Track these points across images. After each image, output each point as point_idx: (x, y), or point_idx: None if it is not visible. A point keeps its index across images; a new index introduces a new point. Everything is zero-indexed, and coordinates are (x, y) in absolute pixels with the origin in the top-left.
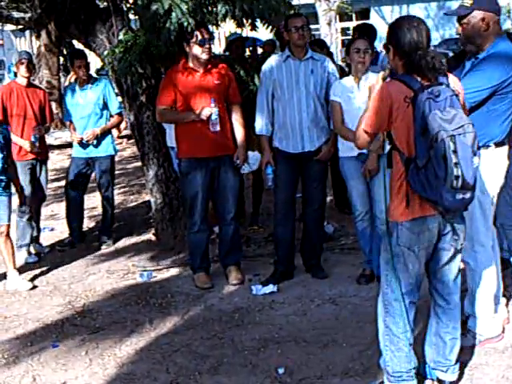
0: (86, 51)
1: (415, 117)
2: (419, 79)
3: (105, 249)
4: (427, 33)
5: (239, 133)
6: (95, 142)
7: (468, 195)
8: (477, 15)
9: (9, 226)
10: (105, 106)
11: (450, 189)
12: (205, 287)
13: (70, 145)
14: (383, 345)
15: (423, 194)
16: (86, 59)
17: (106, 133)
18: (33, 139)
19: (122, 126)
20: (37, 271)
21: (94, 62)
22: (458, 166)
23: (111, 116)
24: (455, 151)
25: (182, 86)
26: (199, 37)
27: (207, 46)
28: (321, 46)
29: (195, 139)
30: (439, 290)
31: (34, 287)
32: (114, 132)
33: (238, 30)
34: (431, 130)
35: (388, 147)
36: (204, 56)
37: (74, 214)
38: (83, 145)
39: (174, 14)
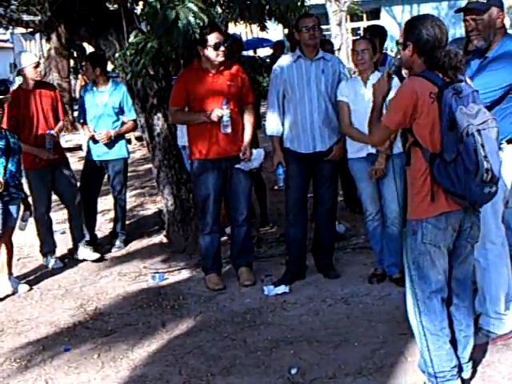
0: None
1: (441, 112)
2: (441, 76)
3: (116, 251)
4: (446, 31)
5: (247, 132)
6: (109, 143)
7: (494, 188)
8: (494, 12)
9: (5, 232)
10: (121, 111)
11: (479, 182)
12: (216, 288)
13: (80, 147)
14: (422, 347)
15: (451, 189)
16: (105, 64)
17: (119, 136)
18: (48, 146)
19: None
20: (48, 274)
21: None
22: (487, 159)
23: (123, 122)
24: (483, 145)
25: (195, 86)
26: (214, 40)
27: (222, 49)
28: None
29: (207, 140)
30: (454, 288)
31: (31, 289)
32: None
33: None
34: (460, 125)
35: (397, 148)
36: (219, 59)
37: (87, 217)
38: (96, 146)
39: (182, 15)
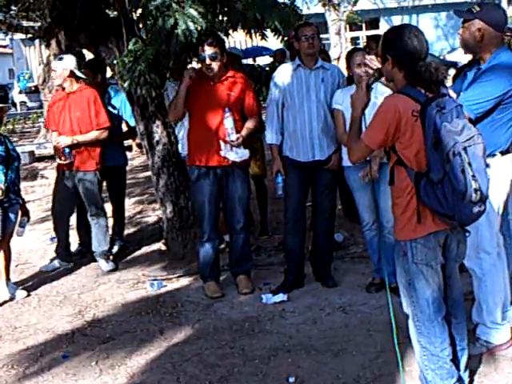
0: None
1: (425, 131)
2: (423, 91)
3: (116, 258)
4: (426, 41)
5: (246, 128)
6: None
7: (483, 207)
8: (476, 24)
9: (4, 238)
10: (119, 119)
11: (468, 203)
12: (214, 296)
13: None
14: (423, 365)
15: (439, 210)
16: (105, 71)
17: (116, 143)
18: (66, 151)
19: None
20: (47, 281)
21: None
22: (475, 178)
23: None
24: (470, 164)
25: (193, 93)
26: (200, 52)
27: (208, 62)
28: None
29: (204, 147)
30: (448, 307)
31: (29, 295)
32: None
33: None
34: (446, 144)
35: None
36: (208, 73)
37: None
38: None
39: (179, 30)
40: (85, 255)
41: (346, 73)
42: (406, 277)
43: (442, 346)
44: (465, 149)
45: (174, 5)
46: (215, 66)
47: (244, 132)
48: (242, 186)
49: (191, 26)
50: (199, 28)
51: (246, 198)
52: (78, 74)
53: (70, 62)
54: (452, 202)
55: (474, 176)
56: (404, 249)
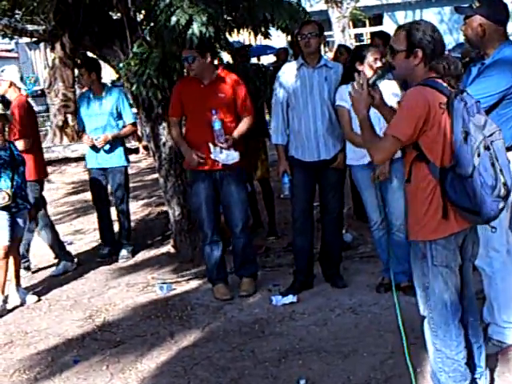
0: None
1: (453, 124)
2: (445, 84)
3: (124, 262)
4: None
5: (237, 130)
6: (107, 147)
7: (504, 204)
8: (477, 20)
9: (13, 244)
10: (119, 117)
11: (495, 197)
12: (224, 299)
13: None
14: (436, 368)
15: (467, 205)
16: (100, 69)
17: (118, 143)
18: None
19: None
20: (57, 285)
21: (109, 73)
22: (502, 173)
23: (124, 126)
24: (497, 158)
25: (186, 96)
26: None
27: (188, 65)
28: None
29: (197, 151)
30: (464, 306)
31: (39, 300)
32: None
33: (239, 38)
34: (475, 137)
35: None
36: (191, 73)
37: (106, 225)
38: (95, 153)
39: (195, 25)
40: (112, 255)
41: None
42: (424, 279)
43: (457, 349)
44: (491, 143)
45: (186, 2)
46: (194, 67)
47: (236, 134)
48: (237, 189)
49: (203, 29)
50: (212, 32)
51: (243, 202)
52: (19, 84)
53: (10, 73)
54: (480, 197)
55: (501, 170)
56: (423, 251)
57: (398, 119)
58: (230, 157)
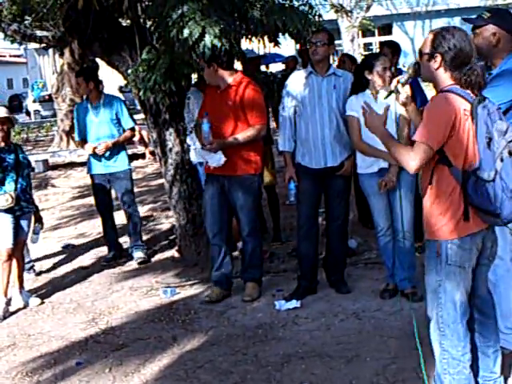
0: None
1: (477, 130)
2: (468, 91)
3: (140, 261)
4: (475, 49)
5: (234, 137)
6: (107, 154)
7: None
8: (490, 29)
9: (17, 246)
10: (119, 123)
11: None
12: (212, 300)
13: None
14: (441, 369)
15: (489, 208)
16: (98, 78)
17: (120, 148)
18: None
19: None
20: (60, 288)
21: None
22: None
23: (124, 131)
24: None
25: (206, 101)
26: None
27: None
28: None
29: None
30: (478, 305)
31: (42, 303)
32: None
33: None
34: (498, 143)
35: None
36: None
37: (110, 230)
38: (98, 161)
39: (207, 37)
40: (116, 259)
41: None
42: (437, 278)
43: (464, 350)
44: None
45: (198, 14)
46: (205, 76)
47: (231, 138)
48: (244, 195)
49: (216, 41)
50: (226, 44)
51: (250, 207)
52: None
53: None
54: (501, 200)
55: None
56: (438, 250)
57: (428, 126)
58: (215, 159)
